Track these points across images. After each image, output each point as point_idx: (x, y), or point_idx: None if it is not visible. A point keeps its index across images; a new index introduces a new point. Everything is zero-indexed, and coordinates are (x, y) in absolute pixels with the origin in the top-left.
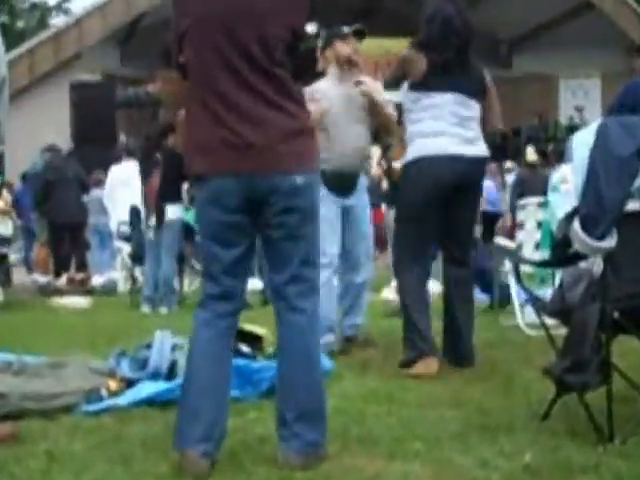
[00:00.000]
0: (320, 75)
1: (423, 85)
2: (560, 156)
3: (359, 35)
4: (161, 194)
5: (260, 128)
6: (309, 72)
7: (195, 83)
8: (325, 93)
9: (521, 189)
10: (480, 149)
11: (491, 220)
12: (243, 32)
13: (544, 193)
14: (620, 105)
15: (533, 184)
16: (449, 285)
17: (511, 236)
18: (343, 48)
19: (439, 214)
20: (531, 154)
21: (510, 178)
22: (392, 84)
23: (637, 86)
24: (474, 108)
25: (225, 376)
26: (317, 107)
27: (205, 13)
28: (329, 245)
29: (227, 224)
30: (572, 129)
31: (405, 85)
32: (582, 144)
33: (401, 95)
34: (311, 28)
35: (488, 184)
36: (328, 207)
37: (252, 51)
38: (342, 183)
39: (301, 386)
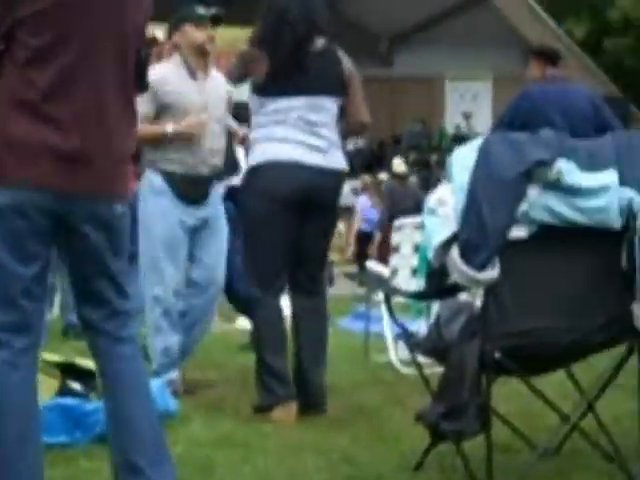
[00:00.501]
0: (146, 88)
1: (266, 89)
2: (444, 167)
3: (215, 21)
4: None
5: (101, 142)
6: (141, 84)
7: (23, 75)
8: (176, 86)
9: (390, 202)
10: (333, 160)
11: (366, 240)
12: (112, 21)
13: (416, 208)
14: (510, 119)
15: (403, 198)
16: (297, 317)
17: (382, 257)
18: (196, 34)
19: (289, 231)
20: (399, 165)
21: None
22: (237, 81)
23: (532, 97)
24: (327, 111)
25: (38, 427)
26: (194, 120)
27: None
28: (167, 275)
29: (28, 234)
30: (458, 138)
31: (248, 86)
32: (463, 163)
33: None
34: (160, 33)
35: (363, 199)
36: (171, 224)
37: (121, 45)
38: (196, 189)
39: (145, 424)
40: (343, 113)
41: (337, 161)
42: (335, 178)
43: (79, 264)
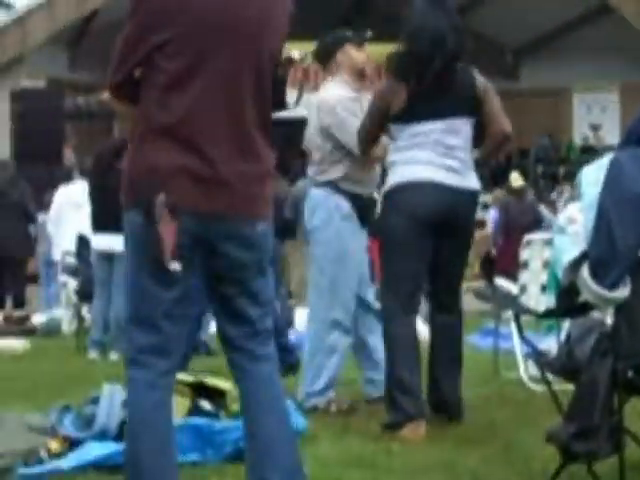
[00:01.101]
0: (288, 108)
1: (404, 116)
2: (573, 180)
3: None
4: (112, 222)
5: (238, 163)
6: (279, 103)
7: (163, 103)
8: (361, 106)
9: (506, 219)
10: (469, 181)
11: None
12: (242, 46)
13: (536, 223)
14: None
15: (520, 214)
16: (436, 333)
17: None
18: (358, 55)
19: (426, 251)
20: (516, 180)
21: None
22: (378, 123)
23: None
24: (463, 132)
25: (174, 446)
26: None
27: (196, 26)
28: (348, 299)
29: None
30: (587, 150)
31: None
32: (592, 181)
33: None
34: (299, 53)
35: (494, 213)
36: (358, 242)
37: (249, 70)
38: (373, 211)
39: (281, 444)
40: (479, 130)
41: (472, 182)
42: (471, 198)
43: (220, 283)
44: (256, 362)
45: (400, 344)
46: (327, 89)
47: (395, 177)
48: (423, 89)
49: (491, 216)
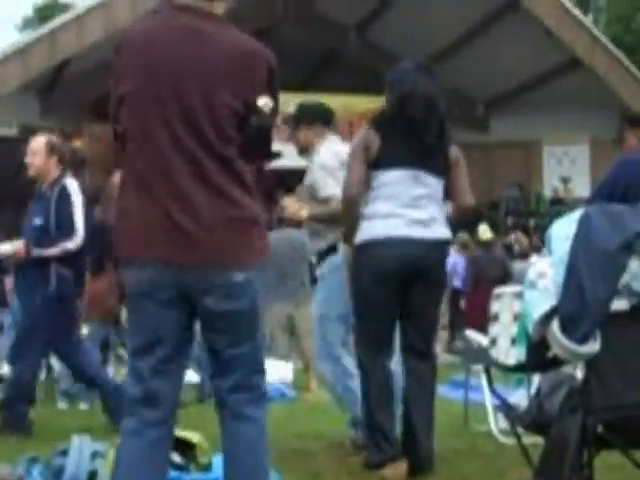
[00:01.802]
0: (275, 156)
1: (374, 163)
2: (543, 232)
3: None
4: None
5: (202, 217)
6: (260, 152)
7: (132, 156)
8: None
9: (475, 271)
10: (436, 231)
11: (458, 297)
12: (192, 97)
13: (502, 278)
14: (610, 191)
15: (488, 266)
16: (408, 378)
17: (472, 324)
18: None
19: (394, 303)
20: (485, 232)
21: None
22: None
23: (632, 167)
24: (431, 185)
25: None
26: None
27: (148, 77)
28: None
29: (159, 318)
30: (556, 202)
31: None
32: (562, 236)
33: None
34: (263, 101)
35: (456, 258)
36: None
37: (202, 121)
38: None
39: None
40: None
41: (439, 231)
42: (438, 248)
43: (207, 332)
44: (239, 421)
45: (377, 388)
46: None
47: (360, 233)
48: (398, 138)
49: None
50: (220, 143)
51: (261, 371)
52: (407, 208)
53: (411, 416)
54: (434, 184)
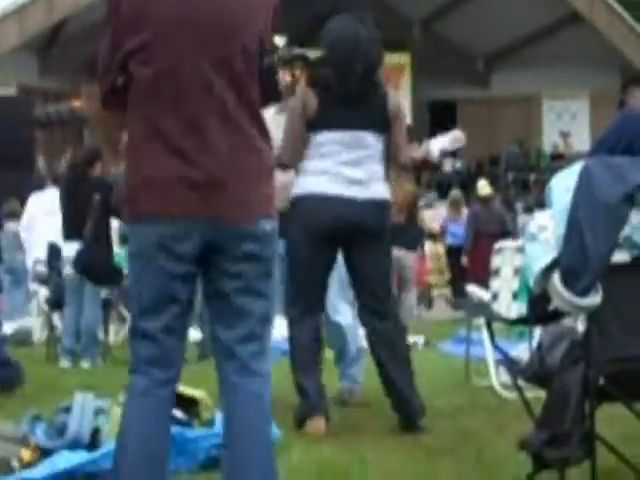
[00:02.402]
0: (281, 96)
1: (312, 124)
2: (543, 186)
3: (305, 60)
4: (83, 229)
5: (227, 167)
6: (272, 93)
7: (150, 109)
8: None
9: (475, 226)
10: (373, 191)
11: (457, 254)
12: (217, 46)
13: (503, 232)
14: (612, 145)
15: (488, 221)
16: (373, 341)
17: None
18: (284, 75)
19: (324, 261)
20: (483, 187)
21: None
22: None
23: (635, 123)
24: (370, 145)
25: (165, 457)
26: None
27: (169, 27)
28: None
29: (172, 274)
30: (557, 157)
31: None
32: (562, 188)
33: None
34: (279, 40)
35: (446, 217)
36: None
37: (229, 68)
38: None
39: (257, 468)
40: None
41: (378, 192)
42: (375, 208)
43: (219, 277)
44: (246, 376)
45: (298, 347)
46: None
47: (295, 189)
48: (334, 100)
49: (441, 218)
50: (249, 84)
51: (270, 321)
52: (344, 166)
53: (388, 376)
54: (374, 143)
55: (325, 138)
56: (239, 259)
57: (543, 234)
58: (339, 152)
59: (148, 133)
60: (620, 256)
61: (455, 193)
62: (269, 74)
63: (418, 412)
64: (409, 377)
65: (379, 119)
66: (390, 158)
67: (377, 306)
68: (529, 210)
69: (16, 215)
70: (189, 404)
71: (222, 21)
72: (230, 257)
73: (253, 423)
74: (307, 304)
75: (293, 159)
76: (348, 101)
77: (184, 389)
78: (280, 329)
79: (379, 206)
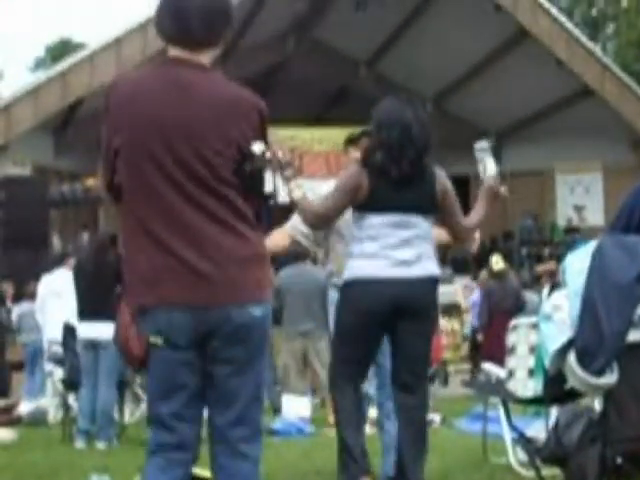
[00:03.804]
0: (269, 198)
1: (363, 206)
2: (558, 261)
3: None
4: (97, 310)
5: (211, 254)
6: (255, 194)
7: (133, 205)
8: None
9: (490, 303)
10: (422, 268)
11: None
12: (184, 148)
13: (517, 308)
14: (627, 220)
15: (502, 297)
16: (398, 413)
17: (490, 357)
18: (355, 153)
19: (373, 340)
20: (497, 263)
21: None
22: (339, 214)
23: None
24: (419, 226)
25: None
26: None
27: (137, 131)
28: None
29: (178, 362)
30: (571, 231)
31: None
32: (577, 268)
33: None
34: (258, 147)
35: (476, 298)
36: None
37: (197, 169)
38: None
39: None
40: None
41: (428, 269)
42: (424, 285)
43: (214, 366)
44: (235, 459)
45: (345, 412)
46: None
47: (346, 272)
48: (386, 183)
49: (474, 298)
50: (220, 185)
51: (260, 403)
52: (393, 249)
53: (401, 452)
54: (422, 225)
55: (375, 221)
56: (229, 344)
57: (558, 314)
58: (388, 235)
59: (135, 229)
60: (635, 335)
61: (483, 273)
62: (251, 178)
63: None
64: (421, 457)
65: (429, 201)
66: (451, 233)
67: (410, 381)
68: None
69: (34, 296)
70: None
71: (190, 125)
72: (220, 343)
73: None
74: (352, 377)
75: (318, 224)
76: (399, 184)
77: (198, 470)
78: (293, 408)
79: (426, 283)
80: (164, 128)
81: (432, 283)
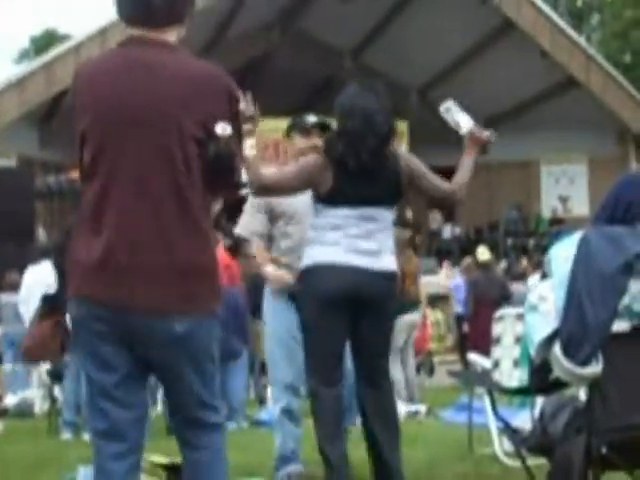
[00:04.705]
0: (241, 187)
1: (326, 201)
2: (543, 252)
3: (322, 128)
4: None
5: (153, 253)
6: (223, 181)
7: (87, 191)
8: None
9: (475, 293)
10: (384, 262)
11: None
12: (145, 131)
13: (502, 298)
14: (612, 211)
15: (488, 287)
16: (367, 407)
17: (476, 347)
18: (303, 143)
19: (339, 329)
20: (483, 254)
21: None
22: (297, 192)
23: (634, 186)
24: (383, 218)
25: None
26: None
27: (102, 111)
28: (279, 370)
29: (101, 343)
30: (555, 222)
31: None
32: (562, 259)
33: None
34: (222, 128)
35: (458, 282)
36: (286, 319)
37: (155, 160)
38: None
39: None
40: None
41: (387, 263)
42: (384, 280)
43: (159, 377)
44: (193, 451)
45: (322, 418)
46: None
47: (306, 259)
48: (349, 175)
49: (455, 282)
50: (184, 173)
51: (212, 408)
52: (356, 238)
53: (379, 444)
54: (385, 216)
55: (340, 213)
56: (158, 356)
57: (543, 304)
58: (351, 225)
59: (84, 216)
60: (620, 325)
61: (467, 259)
62: (216, 162)
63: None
64: (398, 450)
65: (393, 191)
66: (440, 204)
67: (374, 376)
68: (521, 277)
69: (15, 287)
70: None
71: (153, 106)
72: (150, 352)
73: None
74: (325, 375)
75: (259, 189)
76: (361, 176)
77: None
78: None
79: (387, 277)
80: (125, 109)
81: (392, 279)
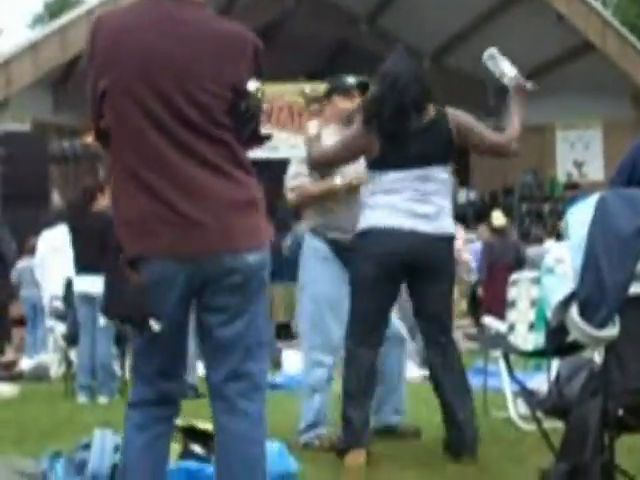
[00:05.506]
0: (266, 140)
1: (377, 165)
2: (558, 217)
3: (363, 88)
4: (90, 264)
5: (204, 201)
6: (251, 135)
7: (121, 151)
8: None
9: (490, 258)
10: (440, 226)
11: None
12: (175, 90)
13: (517, 262)
14: (630, 174)
15: (503, 253)
16: (434, 369)
17: (489, 311)
18: (344, 104)
19: (389, 294)
20: (498, 218)
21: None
22: (340, 164)
23: None
24: (439, 180)
25: None
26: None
27: (129, 70)
28: (334, 337)
29: (166, 317)
30: (571, 187)
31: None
32: (579, 221)
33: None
34: (253, 85)
35: (475, 247)
36: (335, 285)
37: (188, 112)
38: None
39: None
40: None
41: (445, 227)
42: (442, 244)
43: (205, 312)
44: (232, 415)
45: (354, 380)
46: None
47: (362, 223)
48: (393, 138)
49: (472, 247)
50: (214, 128)
51: (259, 357)
52: (411, 202)
53: (450, 406)
54: (441, 176)
55: (391, 178)
56: (222, 292)
57: (560, 266)
58: (406, 188)
59: (123, 176)
60: (637, 288)
61: (482, 228)
62: (248, 118)
63: (474, 439)
64: (467, 400)
65: (444, 149)
66: (494, 156)
67: (442, 339)
68: (538, 241)
69: (33, 252)
70: (208, 439)
71: (185, 64)
72: (213, 291)
73: (242, 464)
74: (366, 336)
75: (319, 162)
76: (406, 137)
77: (202, 424)
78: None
79: (444, 241)
80: (154, 68)
81: (449, 241)
